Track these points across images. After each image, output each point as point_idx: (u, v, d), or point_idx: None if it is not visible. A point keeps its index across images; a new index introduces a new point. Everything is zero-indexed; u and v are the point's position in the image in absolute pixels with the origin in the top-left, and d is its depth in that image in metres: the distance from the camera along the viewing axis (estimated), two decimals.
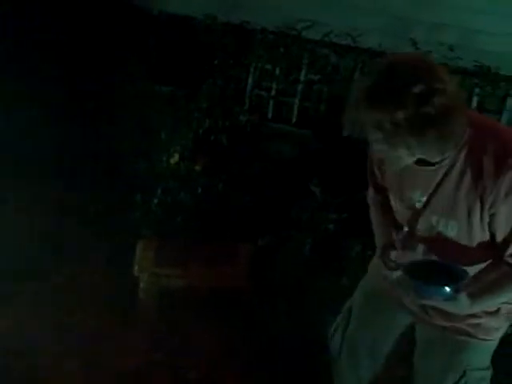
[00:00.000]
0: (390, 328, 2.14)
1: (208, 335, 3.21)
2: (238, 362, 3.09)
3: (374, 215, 2.04)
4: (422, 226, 1.81)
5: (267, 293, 3.36)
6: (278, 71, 4.34)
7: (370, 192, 2.05)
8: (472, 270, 1.78)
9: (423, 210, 1.78)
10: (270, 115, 4.47)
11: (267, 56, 4.24)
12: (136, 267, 3.25)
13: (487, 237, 1.72)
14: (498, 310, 1.90)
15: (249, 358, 3.11)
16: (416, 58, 1.58)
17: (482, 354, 2.00)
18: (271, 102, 4.45)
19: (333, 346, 2.31)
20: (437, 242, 1.79)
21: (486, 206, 1.65)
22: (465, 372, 1.97)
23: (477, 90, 4.05)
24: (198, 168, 3.58)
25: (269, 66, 4.34)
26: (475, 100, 4.11)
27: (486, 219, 1.67)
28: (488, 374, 2.05)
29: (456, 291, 1.72)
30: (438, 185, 1.71)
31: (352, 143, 4.03)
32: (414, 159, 1.64)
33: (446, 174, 1.69)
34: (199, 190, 3.53)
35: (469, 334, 1.93)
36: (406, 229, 1.87)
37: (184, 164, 3.57)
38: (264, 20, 4.25)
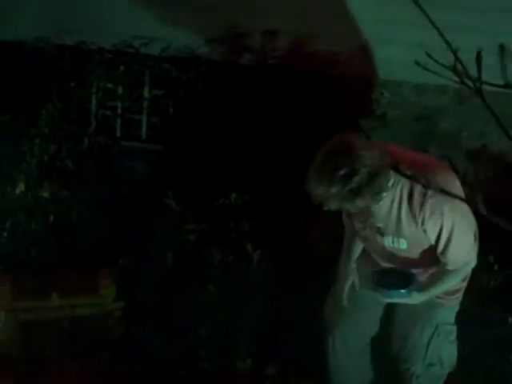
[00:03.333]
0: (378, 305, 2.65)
1: (79, 368, 3.10)
2: None
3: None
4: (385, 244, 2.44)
5: (136, 312, 3.31)
6: (120, 89, 4.30)
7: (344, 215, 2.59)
8: (426, 274, 2.46)
9: (383, 232, 2.41)
10: (118, 134, 4.42)
11: (108, 75, 4.19)
12: None
13: (429, 244, 2.36)
14: None
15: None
16: (344, 145, 2.18)
17: (448, 311, 2.58)
18: (118, 121, 4.41)
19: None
20: (397, 254, 2.45)
21: (419, 224, 2.31)
22: (437, 326, 2.53)
23: None
24: (46, 195, 3.48)
25: (111, 85, 4.29)
26: None
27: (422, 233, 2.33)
28: (454, 328, 2.61)
29: (409, 292, 2.40)
30: (388, 214, 2.33)
31: (204, 155, 4.12)
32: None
33: (391, 207, 2.32)
34: (51, 218, 3.43)
35: (438, 296, 2.50)
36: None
37: (31, 193, 3.45)
38: (100, 40, 4.20)
